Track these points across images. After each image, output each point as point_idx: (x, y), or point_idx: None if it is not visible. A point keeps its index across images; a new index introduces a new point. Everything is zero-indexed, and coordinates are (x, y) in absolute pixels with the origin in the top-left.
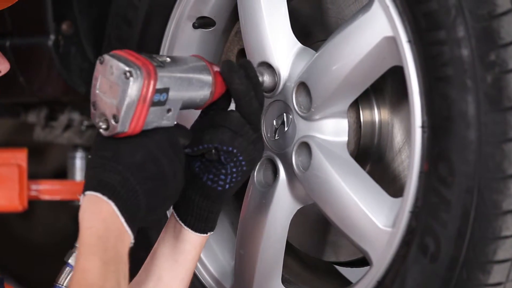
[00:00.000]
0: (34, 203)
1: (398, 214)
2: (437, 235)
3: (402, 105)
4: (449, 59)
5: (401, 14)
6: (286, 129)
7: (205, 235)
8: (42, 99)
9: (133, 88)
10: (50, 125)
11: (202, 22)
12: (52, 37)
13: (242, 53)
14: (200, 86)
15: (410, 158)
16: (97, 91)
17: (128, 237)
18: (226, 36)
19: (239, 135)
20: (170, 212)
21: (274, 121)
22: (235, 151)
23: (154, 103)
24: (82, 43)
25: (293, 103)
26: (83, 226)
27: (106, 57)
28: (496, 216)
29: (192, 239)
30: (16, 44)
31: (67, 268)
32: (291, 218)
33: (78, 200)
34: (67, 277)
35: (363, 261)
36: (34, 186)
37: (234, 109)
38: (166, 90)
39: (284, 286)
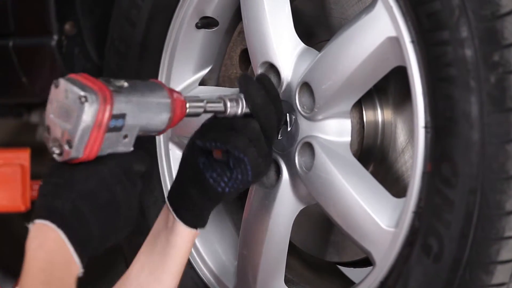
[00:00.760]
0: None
1: (401, 214)
2: (440, 235)
3: (405, 106)
4: (452, 59)
5: (404, 14)
6: (289, 129)
7: (195, 230)
8: (45, 99)
9: (88, 114)
10: None
11: (205, 22)
12: (55, 37)
13: (245, 53)
14: (158, 112)
15: (413, 159)
16: (51, 116)
17: (76, 268)
18: (229, 36)
19: (254, 145)
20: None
21: None
22: (245, 159)
23: (110, 129)
24: (85, 43)
25: (296, 103)
26: (28, 256)
27: (62, 81)
28: (499, 217)
29: (183, 233)
30: (19, 44)
31: None
32: (294, 218)
33: None
34: None
35: (366, 262)
36: (36, 187)
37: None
38: (122, 116)
39: (287, 286)
